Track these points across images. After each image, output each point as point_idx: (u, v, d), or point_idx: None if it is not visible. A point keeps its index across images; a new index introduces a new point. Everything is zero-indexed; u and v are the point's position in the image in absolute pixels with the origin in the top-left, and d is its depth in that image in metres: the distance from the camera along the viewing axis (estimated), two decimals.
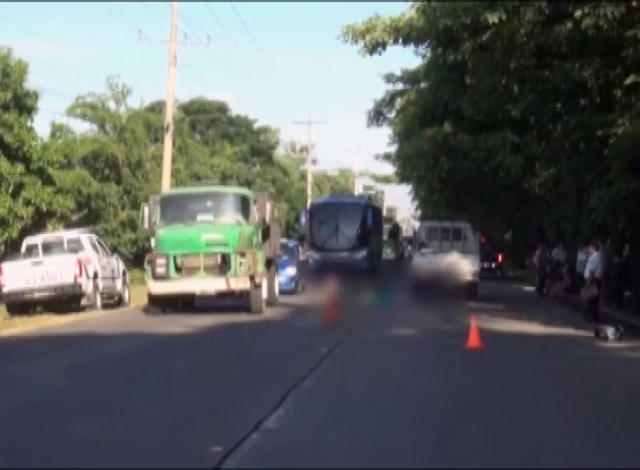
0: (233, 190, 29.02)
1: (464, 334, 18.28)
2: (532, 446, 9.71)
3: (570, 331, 22.36)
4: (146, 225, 26.48)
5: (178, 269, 24.51)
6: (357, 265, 43.73)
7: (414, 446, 9.71)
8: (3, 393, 12.55)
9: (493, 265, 50.63)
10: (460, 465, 8.94)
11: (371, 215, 46.95)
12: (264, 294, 25.42)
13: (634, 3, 21.45)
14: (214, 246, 24.57)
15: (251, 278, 24.49)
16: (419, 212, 76.54)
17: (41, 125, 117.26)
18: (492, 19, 22.45)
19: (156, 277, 24.52)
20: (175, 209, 26.06)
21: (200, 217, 25.64)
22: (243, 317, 24.01)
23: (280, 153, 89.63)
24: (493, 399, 12.72)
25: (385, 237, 57.38)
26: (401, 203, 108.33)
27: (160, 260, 24.45)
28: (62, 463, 8.69)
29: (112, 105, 53.09)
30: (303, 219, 48.36)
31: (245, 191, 28.63)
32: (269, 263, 27.19)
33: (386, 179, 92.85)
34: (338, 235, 44.89)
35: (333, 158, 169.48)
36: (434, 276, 31.85)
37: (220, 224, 25.39)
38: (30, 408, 11.41)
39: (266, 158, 77.97)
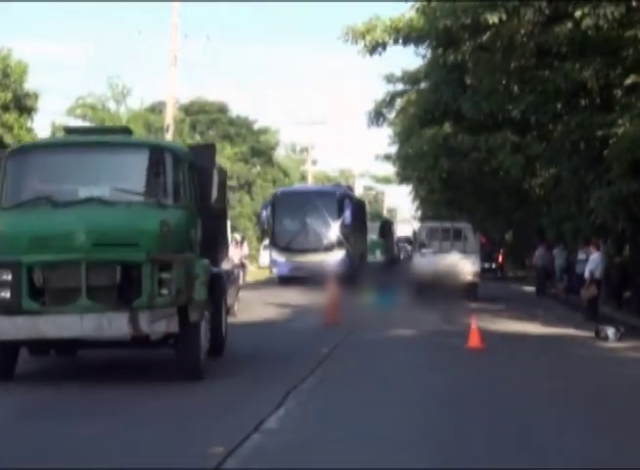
0: (152, 142, 17.26)
1: (464, 334, 18.30)
2: (532, 446, 9.72)
3: (570, 331, 22.37)
4: None
5: (38, 293, 12.75)
6: (331, 271, 34.36)
7: (415, 446, 9.71)
8: (6, 390, 12.55)
9: (493, 266, 50.65)
10: (461, 465, 8.96)
11: (350, 209, 38.76)
12: (204, 340, 13.70)
13: (634, 3, 21.46)
14: (110, 248, 12.83)
15: (182, 311, 12.98)
16: (419, 213, 76.55)
17: (41, 126, 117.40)
18: (492, 19, 22.45)
19: None
20: (37, 175, 14.32)
21: (83, 192, 13.85)
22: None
23: (280, 153, 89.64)
24: (494, 398, 12.74)
25: (373, 236, 51.02)
26: (402, 203, 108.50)
27: (2, 276, 12.71)
28: (62, 462, 8.70)
29: (112, 105, 53.22)
30: (264, 213, 39.45)
31: (173, 145, 17.26)
32: (216, 282, 14.97)
33: (386, 180, 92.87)
34: (306, 232, 37.74)
35: (333, 158, 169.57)
36: (435, 276, 31.83)
37: (124, 206, 13.50)
38: (31, 407, 11.41)
39: (266, 158, 77.94)
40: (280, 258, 37.84)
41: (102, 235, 12.95)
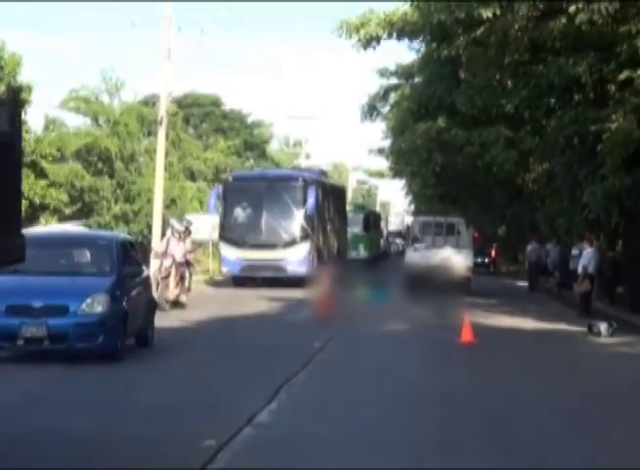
0: None
1: (457, 329, 18.30)
2: (523, 441, 9.74)
3: (562, 326, 22.39)
4: None
5: None
6: (292, 272, 31.24)
7: (406, 439, 9.73)
8: None
9: (486, 260, 50.65)
10: (453, 458, 8.96)
11: (315, 196, 32.74)
12: None
13: None
14: None
15: None
16: (412, 207, 76.53)
17: (34, 118, 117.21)
18: (486, 13, 22.45)
19: None
20: None
21: None
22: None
23: (274, 147, 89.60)
24: (486, 393, 12.75)
25: (356, 229, 46.88)
26: (395, 197, 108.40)
27: None
28: (58, 455, 8.69)
29: (105, 98, 53.01)
30: (213, 201, 34.11)
31: None
32: None
33: (379, 174, 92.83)
34: (262, 224, 32.05)
35: (326, 152, 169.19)
36: (428, 271, 31.80)
37: None
38: (28, 401, 11.38)
39: (260, 152, 77.87)
40: (230, 254, 32.09)
41: None
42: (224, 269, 33.02)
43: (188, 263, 25.05)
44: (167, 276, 23.57)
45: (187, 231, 25.13)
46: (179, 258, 24.06)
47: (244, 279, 32.01)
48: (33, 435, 9.47)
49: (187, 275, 24.69)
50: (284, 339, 18.45)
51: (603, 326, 20.33)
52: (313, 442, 9.54)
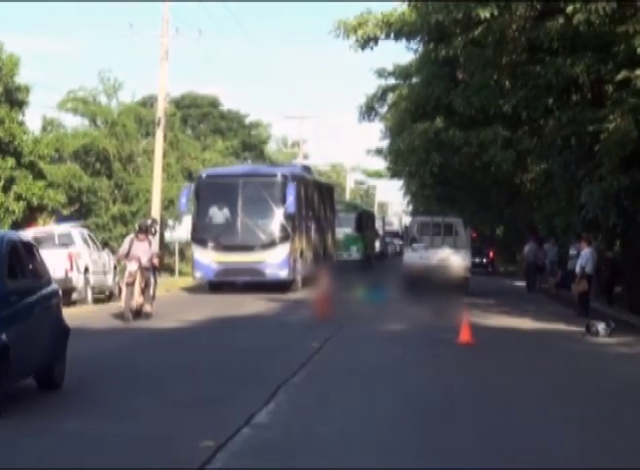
0: None
1: (455, 329, 18.31)
2: (522, 441, 9.76)
3: (560, 326, 22.41)
4: None
5: None
6: (271, 275, 29.42)
7: (404, 439, 9.74)
8: None
9: (484, 261, 50.72)
10: (451, 458, 8.97)
11: (298, 193, 30.78)
12: None
13: None
14: None
15: None
16: (410, 208, 76.53)
17: (32, 119, 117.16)
18: (484, 14, 22.46)
19: None
20: None
21: None
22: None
23: (272, 148, 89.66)
24: (484, 393, 12.76)
25: (348, 230, 45.39)
26: (393, 198, 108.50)
27: None
28: (55, 458, 8.70)
29: (103, 99, 52.96)
30: (184, 200, 31.13)
31: None
32: None
33: (377, 174, 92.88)
34: (238, 225, 29.77)
35: (325, 152, 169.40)
36: (426, 271, 31.86)
37: None
38: (22, 403, 11.37)
39: (258, 152, 77.89)
40: (204, 258, 29.81)
41: None
42: (197, 274, 30.59)
43: (154, 268, 22.63)
44: (132, 282, 21.20)
45: (152, 229, 23.18)
46: (145, 261, 21.49)
47: (221, 284, 30.20)
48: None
49: (152, 281, 22.11)
50: (282, 339, 18.46)
51: (601, 326, 20.35)
52: (311, 442, 9.54)
